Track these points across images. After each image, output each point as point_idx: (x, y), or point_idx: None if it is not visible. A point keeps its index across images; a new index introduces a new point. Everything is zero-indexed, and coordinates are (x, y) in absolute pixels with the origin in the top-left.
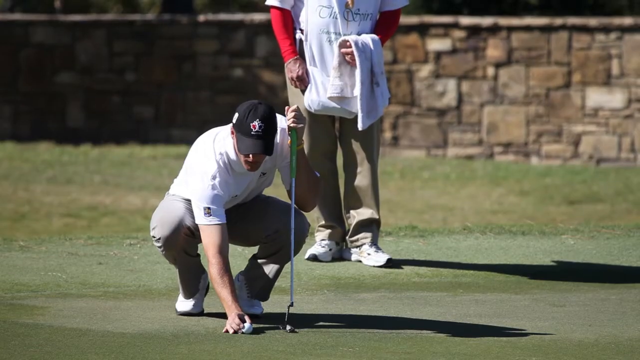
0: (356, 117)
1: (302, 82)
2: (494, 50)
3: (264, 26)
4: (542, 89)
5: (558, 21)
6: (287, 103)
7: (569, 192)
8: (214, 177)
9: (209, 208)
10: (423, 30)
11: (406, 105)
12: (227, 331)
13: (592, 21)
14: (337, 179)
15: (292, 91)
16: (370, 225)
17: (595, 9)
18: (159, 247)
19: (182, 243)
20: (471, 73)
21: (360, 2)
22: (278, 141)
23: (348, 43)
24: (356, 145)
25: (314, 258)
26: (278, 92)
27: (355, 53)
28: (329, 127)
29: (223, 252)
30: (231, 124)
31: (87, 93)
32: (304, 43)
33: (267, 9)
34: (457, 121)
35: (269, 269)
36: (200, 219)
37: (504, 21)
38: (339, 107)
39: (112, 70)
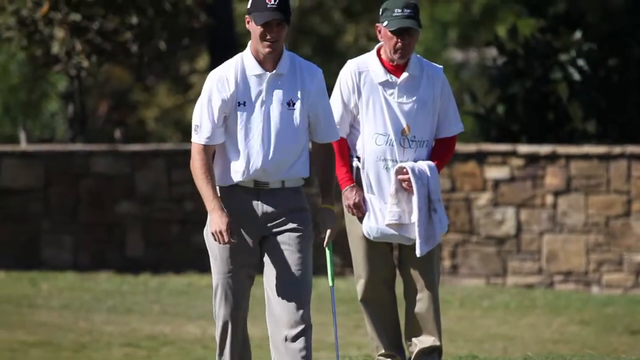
0: (415, 243)
1: (359, 209)
2: (552, 178)
3: None
4: (601, 218)
5: (617, 150)
6: (345, 231)
7: (631, 322)
8: (214, 76)
9: (197, 125)
10: (481, 158)
11: (465, 233)
12: (214, 234)
13: None
14: (397, 307)
15: (349, 219)
16: (432, 354)
17: None
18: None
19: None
20: (530, 201)
21: (416, 129)
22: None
23: (405, 170)
24: (415, 273)
25: None
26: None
27: (412, 179)
28: (388, 254)
29: (206, 158)
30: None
31: (147, 222)
32: (361, 170)
33: None
34: (516, 249)
35: None
36: (192, 134)
37: (562, 149)
38: (397, 234)
39: (171, 199)
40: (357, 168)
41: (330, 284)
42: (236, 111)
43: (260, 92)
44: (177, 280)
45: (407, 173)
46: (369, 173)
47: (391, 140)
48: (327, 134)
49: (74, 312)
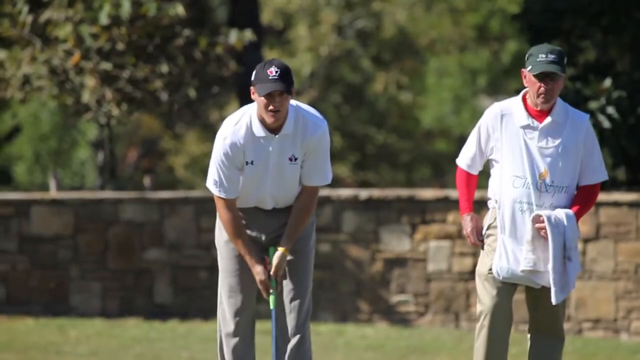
0: (543, 286)
1: (472, 238)
2: (582, 225)
3: (350, 202)
4: (631, 265)
5: None
6: (374, 278)
7: None
8: (224, 138)
9: (217, 181)
10: None
11: None
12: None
13: None
14: (508, 344)
15: (480, 259)
16: None
17: None
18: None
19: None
20: None
21: (554, 174)
22: (308, 129)
23: (541, 218)
24: (544, 315)
25: None
26: (365, 267)
27: (548, 228)
28: (512, 294)
29: (233, 211)
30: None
31: (175, 269)
32: (497, 211)
33: (353, 185)
34: None
35: None
36: (211, 185)
37: None
38: (527, 277)
39: (199, 246)
40: (494, 209)
41: (272, 307)
42: (245, 167)
43: (267, 153)
44: (205, 326)
45: (543, 221)
46: (504, 215)
47: (528, 183)
48: (314, 180)
49: (102, 359)
